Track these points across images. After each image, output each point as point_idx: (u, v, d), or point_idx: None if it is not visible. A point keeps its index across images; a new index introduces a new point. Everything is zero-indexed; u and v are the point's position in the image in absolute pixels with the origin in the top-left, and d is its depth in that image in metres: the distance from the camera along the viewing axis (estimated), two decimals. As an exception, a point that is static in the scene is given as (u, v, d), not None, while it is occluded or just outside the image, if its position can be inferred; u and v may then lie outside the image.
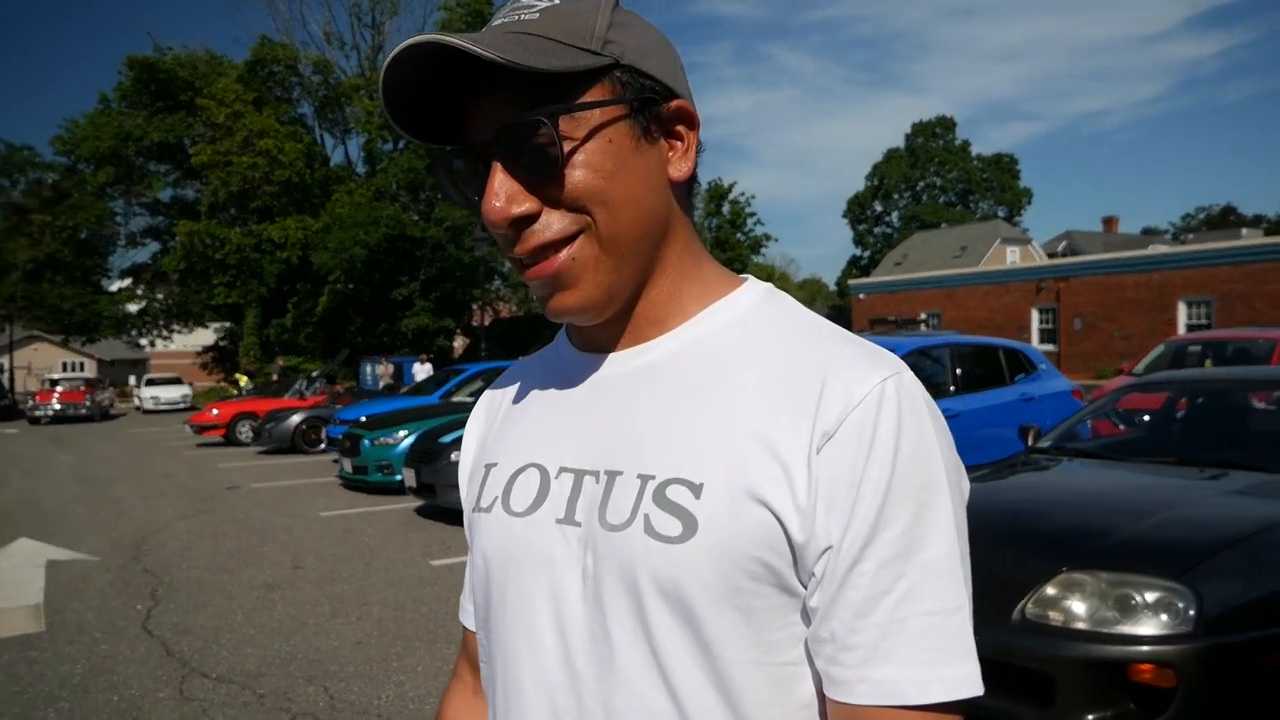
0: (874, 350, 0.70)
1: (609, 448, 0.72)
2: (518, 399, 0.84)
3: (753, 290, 0.78)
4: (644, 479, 0.69)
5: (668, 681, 0.67)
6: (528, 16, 0.69)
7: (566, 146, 0.67)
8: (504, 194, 0.68)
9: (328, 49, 35.25)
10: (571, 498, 0.72)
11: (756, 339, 0.73)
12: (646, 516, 0.67)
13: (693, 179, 0.76)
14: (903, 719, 0.63)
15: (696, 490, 0.66)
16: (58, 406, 27.80)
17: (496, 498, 0.77)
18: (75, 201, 32.70)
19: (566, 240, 0.69)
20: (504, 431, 0.83)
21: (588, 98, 0.68)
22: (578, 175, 0.67)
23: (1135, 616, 2.92)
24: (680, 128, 0.73)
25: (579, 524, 0.71)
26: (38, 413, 27.67)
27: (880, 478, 0.64)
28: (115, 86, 33.04)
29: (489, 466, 0.81)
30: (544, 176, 0.67)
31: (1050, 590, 3.07)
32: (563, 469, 0.74)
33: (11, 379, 36.84)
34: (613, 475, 0.71)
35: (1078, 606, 3.01)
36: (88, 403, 28.54)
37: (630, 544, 0.67)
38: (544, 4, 0.70)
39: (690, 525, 0.65)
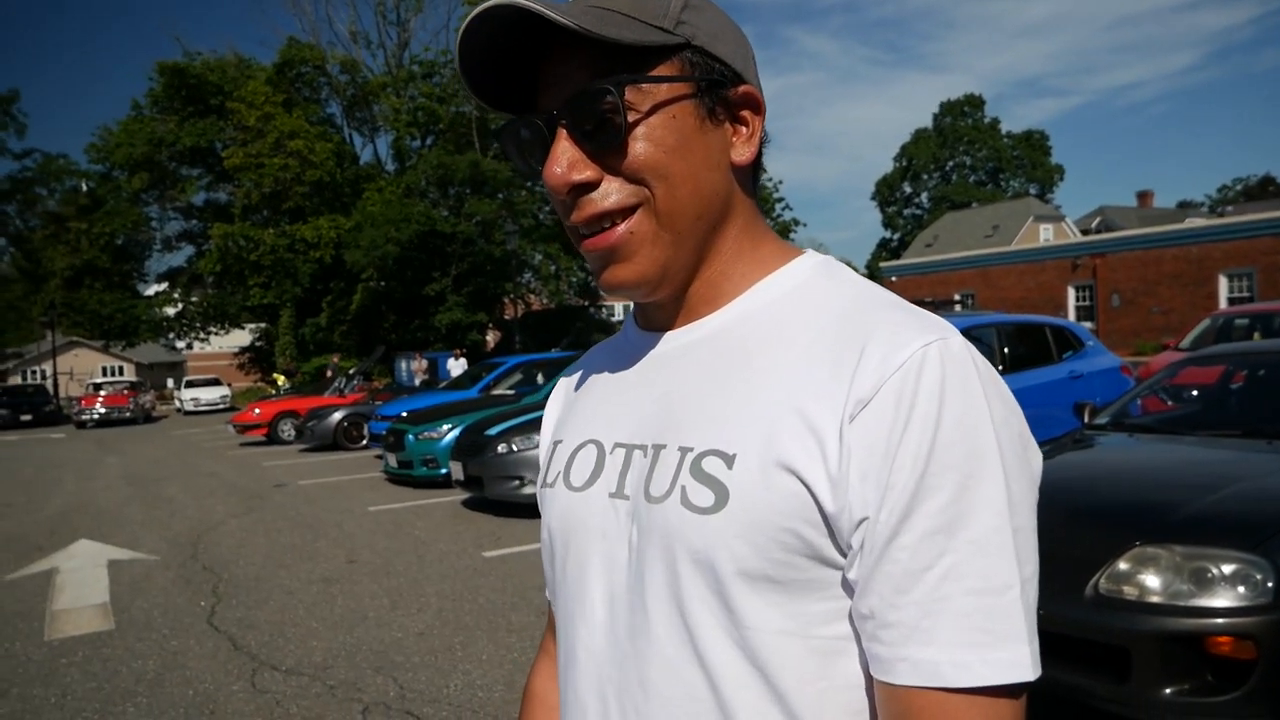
0: (923, 316, 0.68)
1: (657, 422, 0.74)
2: (587, 380, 0.87)
3: (806, 263, 0.78)
4: (684, 451, 0.70)
5: (700, 654, 0.67)
6: None
7: (631, 117, 0.68)
8: (566, 160, 0.69)
9: (354, 48, 35.47)
10: (622, 472, 0.74)
11: (802, 310, 0.73)
12: (683, 488, 0.68)
13: (757, 164, 0.77)
14: (945, 701, 0.60)
15: (730, 461, 0.66)
16: (103, 410, 28.48)
17: (560, 473, 0.81)
18: (111, 208, 33.27)
19: (624, 212, 0.70)
20: (572, 411, 0.86)
21: (657, 73, 0.70)
22: (639, 147, 0.69)
23: (1211, 589, 2.90)
24: (746, 113, 0.74)
25: (627, 497, 0.73)
26: (84, 417, 28.35)
27: (920, 445, 0.61)
28: (146, 93, 33.49)
29: (556, 444, 0.85)
30: (607, 145, 0.69)
31: (1123, 565, 3.06)
32: (616, 444, 0.77)
33: (55, 385, 37.58)
34: (658, 449, 0.72)
35: (1152, 580, 2.99)
36: (132, 406, 29.21)
37: (668, 516, 0.68)
38: None
39: (722, 496, 0.66)
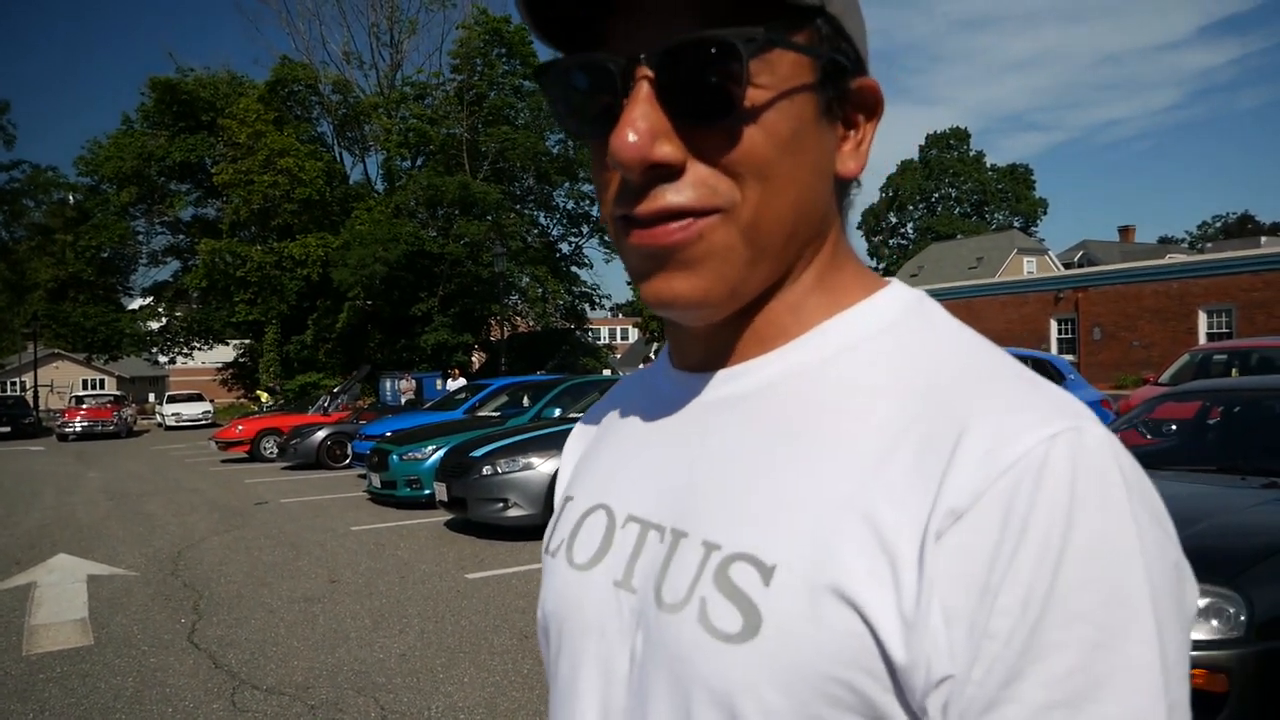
0: (1050, 394, 0.50)
1: (682, 498, 0.57)
2: (610, 424, 0.71)
3: (891, 300, 0.59)
4: (709, 548, 0.53)
5: None
6: None
7: (750, 93, 0.51)
8: (648, 129, 0.50)
9: (346, 68, 35.75)
10: (633, 556, 0.59)
11: (882, 369, 0.55)
12: (703, 600, 0.52)
13: (857, 180, 0.60)
14: None
15: (767, 574, 0.50)
16: (86, 423, 28.39)
17: (564, 541, 0.65)
18: (98, 221, 33.22)
19: (701, 213, 0.52)
20: (589, 460, 0.71)
21: (793, 39, 0.52)
22: (753, 135, 0.51)
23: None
24: (860, 115, 0.58)
25: (635, 591, 0.57)
26: (66, 430, 28.23)
27: (1035, 582, 0.44)
28: (138, 107, 33.65)
29: (568, 500, 0.69)
30: (713, 123, 0.51)
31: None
32: (630, 517, 0.61)
33: (35, 397, 37.27)
34: (678, 536, 0.56)
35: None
36: (115, 419, 29.07)
37: (681, 635, 0.52)
38: None
39: (753, 621, 0.50)
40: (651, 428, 0.64)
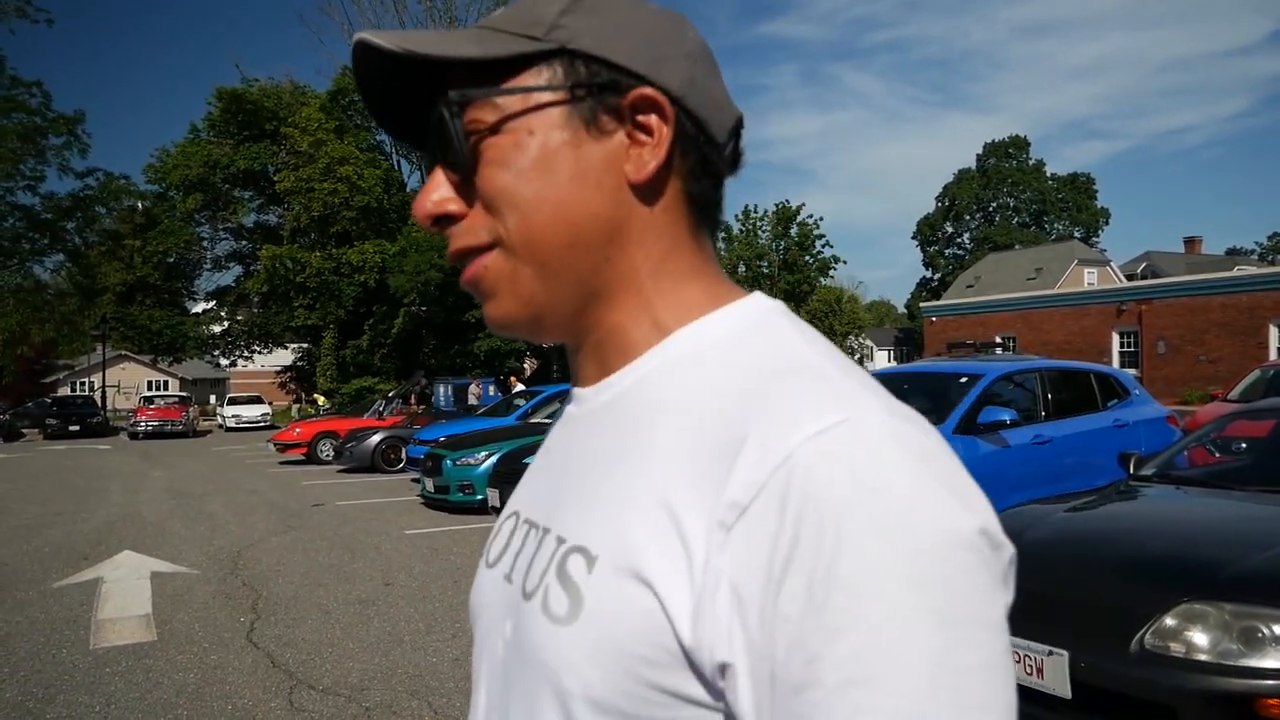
0: (833, 385, 0.53)
1: (552, 500, 0.64)
2: (542, 442, 0.78)
3: (737, 312, 0.62)
4: (559, 542, 0.59)
5: None
6: (495, 12, 0.63)
7: (473, 140, 0.60)
8: (436, 194, 0.62)
9: (405, 78, 36.30)
10: (518, 553, 0.65)
11: (706, 374, 0.58)
12: (547, 588, 0.57)
13: (696, 184, 0.63)
14: None
15: (591, 563, 0.55)
16: (155, 422, 29.49)
17: (488, 545, 0.72)
18: (165, 227, 34.20)
19: (481, 248, 0.61)
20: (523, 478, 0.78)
21: (510, 85, 0.60)
22: (489, 171, 0.60)
23: (1262, 649, 2.85)
24: (651, 119, 0.60)
25: (512, 583, 0.63)
26: (137, 428, 29.35)
27: (816, 566, 0.46)
28: (205, 117, 34.63)
29: (503, 512, 0.76)
30: (462, 172, 0.61)
31: (1170, 621, 3.01)
32: (525, 519, 0.67)
33: (103, 397, 38.44)
34: (544, 532, 0.62)
35: (1199, 638, 2.95)
36: (183, 420, 30.03)
37: (530, 619, 0.58)
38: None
39: (576, 605, 0.54)
40: (552, 439, 0.72)
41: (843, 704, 0.45)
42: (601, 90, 0.60)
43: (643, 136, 0.60)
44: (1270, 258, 64.13)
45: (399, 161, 36.71)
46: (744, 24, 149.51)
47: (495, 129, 0.59)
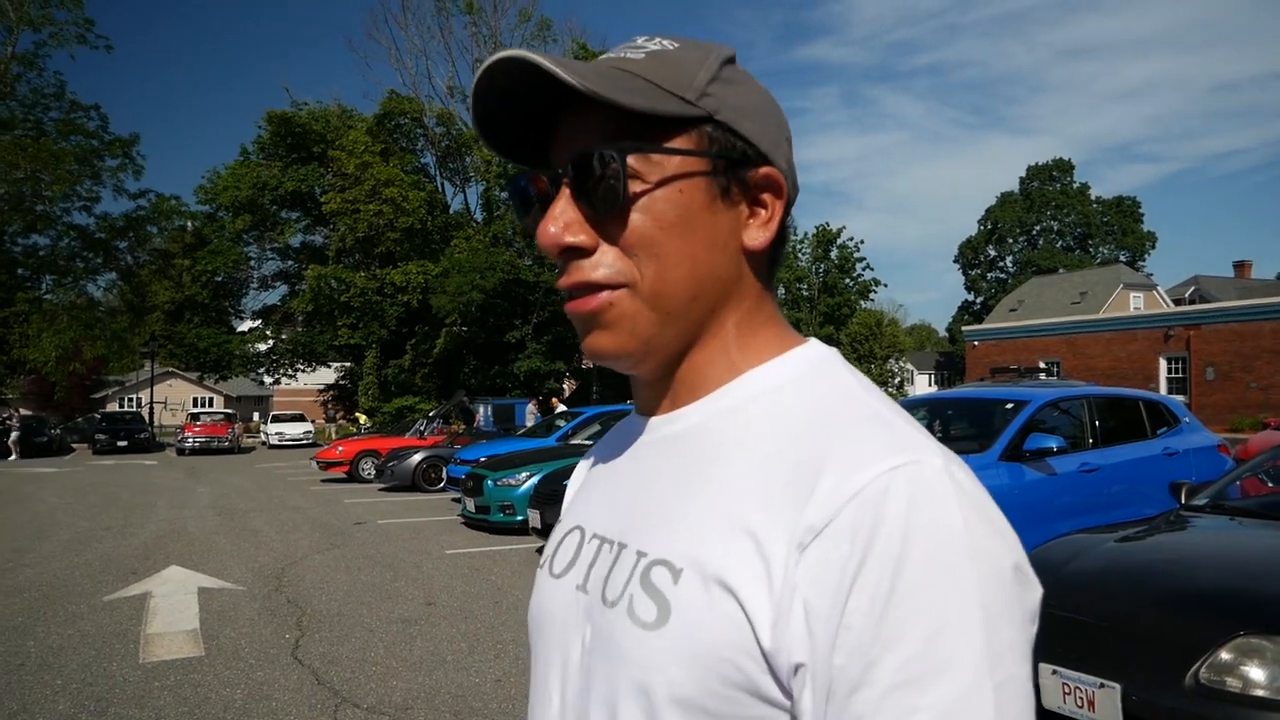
0: (900, 430, 0.62)
1: (627, 518, 0.71)
2: (594, 463, 0.86)
3: (799, 358, 0.72)
4: (640, 556, 0.66)
5: None
6: (633, 56, 0.68)
7: (634, 187, 0.65)
8: (562, 221, 0.66)
9: (450, 102, 36.90)
10: (591, 565, 0.72)
11: (775, 413, 0.67)
12: (631, 597, 0.64)
13: (777, 249, 0.73)
14: None
15: (676, 575, 0.62)
16: (203, 438, 30.11)
17: (549, 557, 0.79)
18: (214, 247, 34.91)
19: (611, 286, 0.67)
20: (577, 494, 0.86)
21: (670, 145, 0.66)
22: (637, 219, 0.66)
23: (1321, 687, 2.79)
24: (766, 196, 0.70)
25: (588, 593, 0.70)
26: (185, 444, 29.95)
27: (880, 585, 0.55)
28: (254, 139, 35.43)
29: (559, 524, 0.83)
30: (605, 212, 0.66)
31: (1225, 655, 2.96)
32: (594, 534, 0.74)
33: (151, 413, 39.22)
34: (622, 547, 0.69)
35: (1256, 673, 2.89)
36: (229, 436, 30.58)
37: (615, 624, 0.65)
38: (653, 47, 0.69)
39: (664, 612, 0.62)
40: (618, 461, 0.78)
41: (896, 704, 0.53)
42: (737, 164, 0.68)
43: (760, 210, 0.70)
44: (1324, 283, 62.51)
45: (443, 184, 37.29)
46: (784, 46, 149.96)
47: (657, 184, 0.66)
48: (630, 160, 0.65)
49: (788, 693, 0.57)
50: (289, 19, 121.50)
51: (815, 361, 0.71)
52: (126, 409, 49.11)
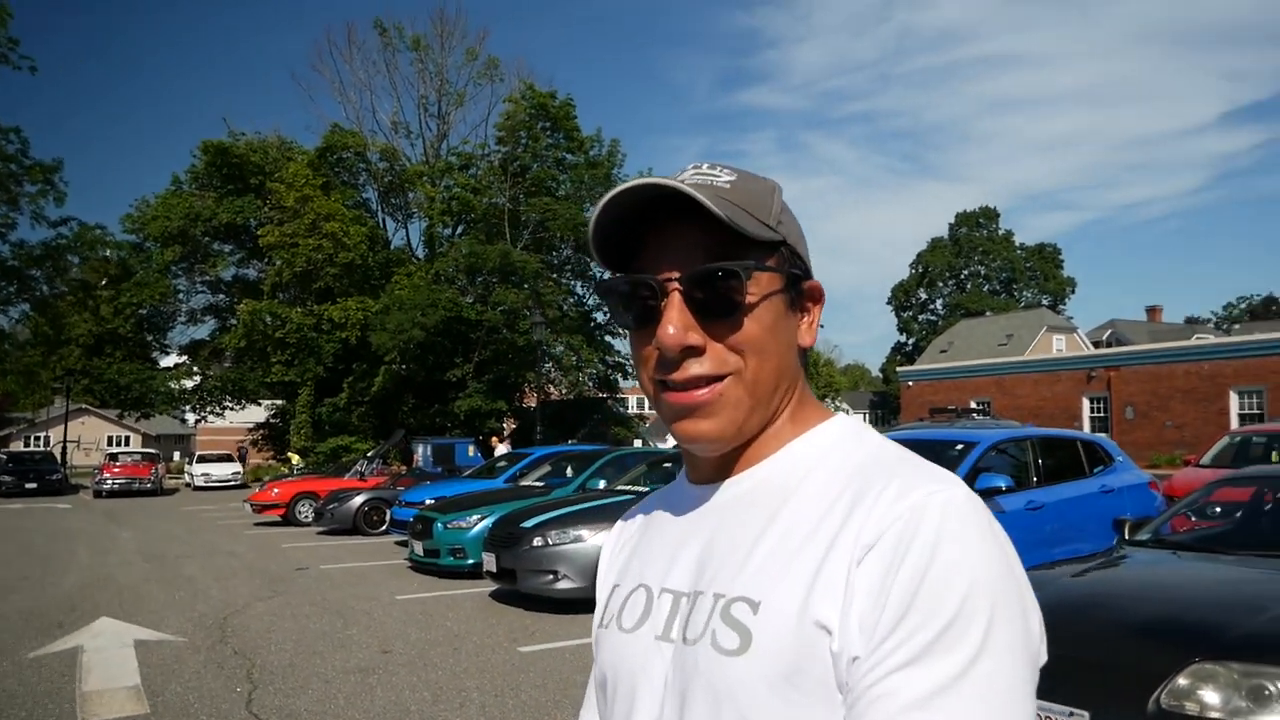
0: (929, 469, 0.76)
1: (700, 571, 0.82)
2: (643, 527, 0.97)
3: (836, 426, 0.87)
4: (718, 598, 0.77)
5: None
6: (721, 182, 0.82)
7: (748, 299, 0.79)
8: (682, 325, 0.79)
9: (394, 137, 36.57)
10: (669, 616, 0.82)
11: (828, 467, 0.81)
12: (714, 631, 0.75)
13: (811, 347, 0.89)
14: None
15: (755, 607, 0.74)
16: (122, 480, 28.49)
17: (614, 615, 0.89)
18: (140, 279, 33.41)
19: (719, 377, 0.80)
20: (628, 557, 0.95)
21: (769, 264, 0.81)
22: (750, 325, 0.80)
23: (1269, 706, 2.98)
24: (811, 304, 0.88)
25: (672, 640, 0.80)
26: (103, 486, 28.27)
27: (909, 585, 0.67)
28: (188, 169, 34.23)
29: (614, 588, 0.93)
30: (721, 318, 0.79)
31: (1183, 681, 3.11)
32: (664, 590, 0.84)
33: (64, 452, 37.38)
34: (697, 595, 0.80)
35: (1211, 697, 3.05)
36: (151, 477, 29.16)
37: (699, 657, 0.76)
38: (730, 176, 0.83)
39: (746, 639, 0.73)
40: (675, 525, 0.89)
41: (909, 686, 0.66)
42: (799, 279, 0.85)
43: (806, 315, 0.87)
44: (1226, 327, 65.69)
45: (384, 219, 36.83)
46: (725, 91, 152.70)
47: (762, 296, 0.81)
48: (750, 275, 0.79)
49: (843, 685, 0.69)
50: (230, 48, 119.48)
51: (849, 426, 0.87)
52: (35, 448, 46.89)
